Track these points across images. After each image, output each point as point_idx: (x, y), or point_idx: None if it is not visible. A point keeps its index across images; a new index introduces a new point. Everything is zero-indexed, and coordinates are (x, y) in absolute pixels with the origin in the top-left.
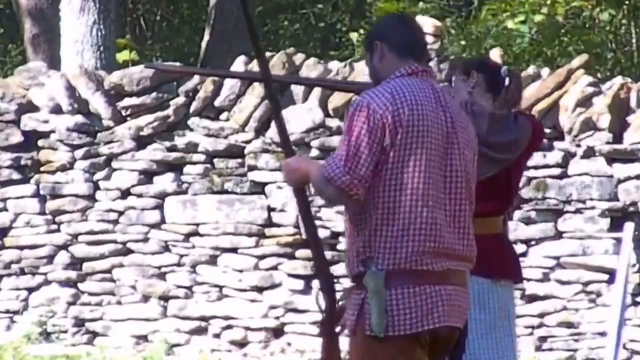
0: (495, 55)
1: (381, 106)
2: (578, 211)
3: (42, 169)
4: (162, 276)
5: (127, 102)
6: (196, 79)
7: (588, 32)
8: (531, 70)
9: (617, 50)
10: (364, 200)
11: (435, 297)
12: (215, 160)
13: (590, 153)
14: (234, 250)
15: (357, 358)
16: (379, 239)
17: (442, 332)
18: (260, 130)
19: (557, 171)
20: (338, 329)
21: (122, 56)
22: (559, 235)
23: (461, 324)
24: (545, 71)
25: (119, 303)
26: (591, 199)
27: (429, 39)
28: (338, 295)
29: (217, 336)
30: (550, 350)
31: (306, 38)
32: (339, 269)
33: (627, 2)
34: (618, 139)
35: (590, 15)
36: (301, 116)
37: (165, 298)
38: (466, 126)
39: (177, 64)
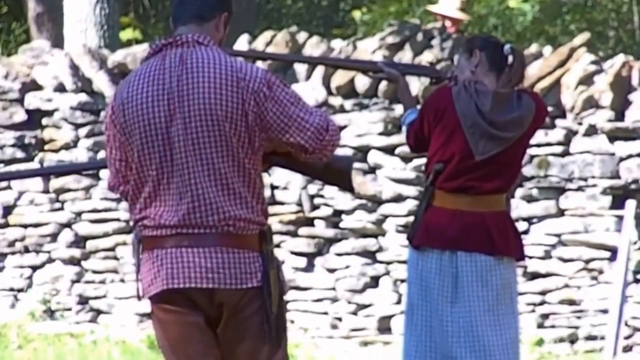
0: None
1: (111, 104)
2: (580, 189)
3: (45, 147)
4: None
5: None
6: None
7: (590, 10)
8: (533, 48)
9: (618, 28)
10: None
11: (162, 260)
12: None
13: (591, 131)
14: None
15: None
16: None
17: (193, 293)
18: None
19: (558, 149)
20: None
21: (126, 34)
22: (560, 212)
23: (217, 284)
24: (547, 49)
25: (122, 281)
26: (593, 177)
27: (459, 15)
28: None
29: None
30: (552, 327)
31: (309, 16)
32: (343, 246)
33: None
34: (620, 116)
35: None
36: (304, 94)
37: None
38: (212, 91)
39: None
